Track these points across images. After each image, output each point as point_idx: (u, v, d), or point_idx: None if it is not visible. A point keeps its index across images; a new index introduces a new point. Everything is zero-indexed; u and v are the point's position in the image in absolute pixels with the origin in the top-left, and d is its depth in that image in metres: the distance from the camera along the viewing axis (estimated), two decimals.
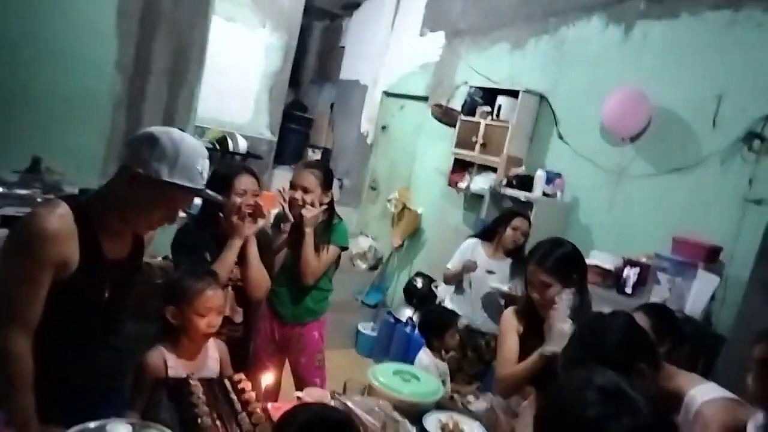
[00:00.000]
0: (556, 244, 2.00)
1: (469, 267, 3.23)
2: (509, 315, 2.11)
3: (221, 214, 2.11)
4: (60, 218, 1.39)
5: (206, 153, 1.52)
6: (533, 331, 1.99)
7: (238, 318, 2.23)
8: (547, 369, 1.82)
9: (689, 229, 3.16)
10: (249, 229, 2.14)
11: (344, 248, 2.61)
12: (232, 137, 4.86)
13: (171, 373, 1.76)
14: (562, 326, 1.83)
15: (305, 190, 2.43)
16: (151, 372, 1.75)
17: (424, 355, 2.76)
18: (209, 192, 1.57)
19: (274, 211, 2.66)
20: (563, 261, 1.94)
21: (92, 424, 1.35)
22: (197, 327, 1.77)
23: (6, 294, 1.39)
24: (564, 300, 1.88)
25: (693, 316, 2.88)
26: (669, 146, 3.41)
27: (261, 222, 2.19)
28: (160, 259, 2.72)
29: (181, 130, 1.55)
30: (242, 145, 4.92)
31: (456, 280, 3.38)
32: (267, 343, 2.58)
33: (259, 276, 2.22)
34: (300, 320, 2.57)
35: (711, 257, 3.01)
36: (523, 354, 2.00)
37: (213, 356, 1.91)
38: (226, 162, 2.38)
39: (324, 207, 2.48)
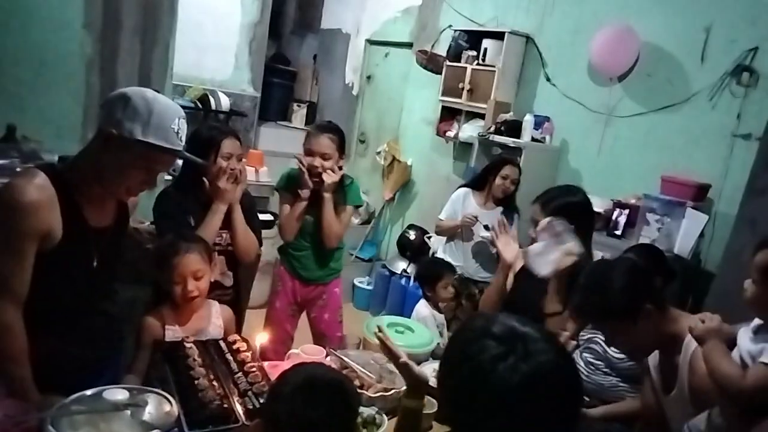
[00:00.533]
0: (567, 192, 2.05)
1: (468, 224, 3.23)
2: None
3: (205, 179, 2.07)
4: (39, 188, 1.37)
5: (182, 113, 1.48)
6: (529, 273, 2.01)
7: (228, 282, 2.23)
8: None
9: (678, 167, 3.16)
10: (234, 193, 2.11)
11: (359, 206, 2.66)
12: (213, 95, 4.74)
13: (169, 335, 1.78)
14: (548, 249, 1.87)
15: (324, 157, 2.38)
16: (149, 335, 1.78)
17: (422, 307, 2.80)
18: (186, 153, 1.53)
19: (263, 170, 2.63)
20: (567, 207, 1.95)
21: (90, 392, 1.36)
22: (175, 293, 1.78)
23: None
24: (558, 226, 1.89)
25: (682, 255, 2.91)
26: (657, 84, 3.36)
27: (243, 186, 2.16)
28: (147, 223, 2.70)
29: (156, 90, 1.51)
30: (225, 102, 4.81)
31: (451, 233, 3.39)
32: (287, 305, 2.62)
33: (246, 240, 2.21)
34: (324, 280, 2.62)
35: (699, 195, 3.02)
36: (519, 293, 2.04)
37: (216, 323, 1.92)
38: (209, 124, 2.30)
39: (343, 171, 2.46)
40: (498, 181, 3.24)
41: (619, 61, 3.41)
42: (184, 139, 1.47)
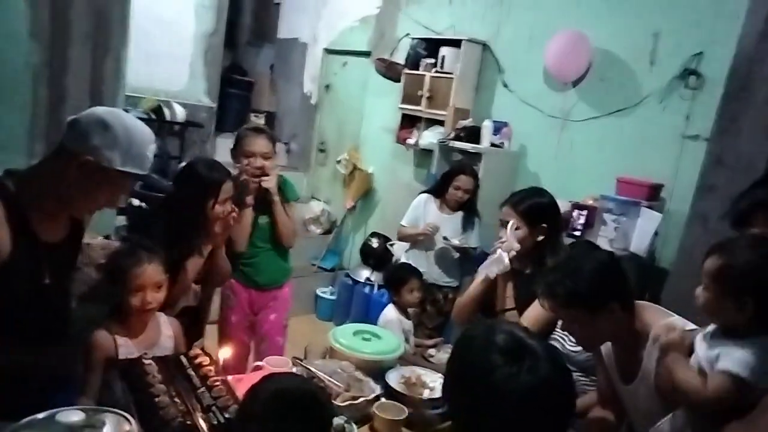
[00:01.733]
0: (535, 193, 2.13)
1: (429, 233, 3.25)
2: None
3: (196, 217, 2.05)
4: None
5: (154, 138, 1.48)
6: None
7: (194, 302, 2.23)
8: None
9: (632, 168, 3.25)
10: (221, 238, 2.12)
11: (297, 199, 2.71)
12: (168, 106, 4.64)
13: (122, 352, 1.71)
14: (501, 253, 1.96)
15: (265, 156, 2.39)
16: (101, 353, 1.70)
17: (390, 311, 2.78)
18: (154, 176, 1.55)
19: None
20: (536, 208, 2.04)
21: (41, 415, 1.28)
22: (132, 304, 1.73)
23: None
24: (510, 229, 1.95)
25: (638, 253, 2.99)
26: (609, 88, 3.47)
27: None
28: (100, 238, 2.60)
29: (112, 103, 1.50)
30: (180, 113, 4.71)
31: (413, 240, 3.39)
32: (244, 317, 2.60)
33: (226, 264, 2.26)
34: (279, 282, 2.64)
35: (653, 195, 3.12)
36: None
37: (167, 333, 1.87)
38: (207, 161, 2.16)
39: (279, 171, 2.49)
40: (451, 190, 3.27)
41: (572, 66, 3.50)
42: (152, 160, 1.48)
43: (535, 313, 1.87)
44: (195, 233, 2.06)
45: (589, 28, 3.45)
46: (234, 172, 2.37)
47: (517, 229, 2.02)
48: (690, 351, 1.33)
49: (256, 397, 1.13)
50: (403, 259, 3.52)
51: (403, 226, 3.40)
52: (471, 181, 3.27)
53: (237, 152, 2.44)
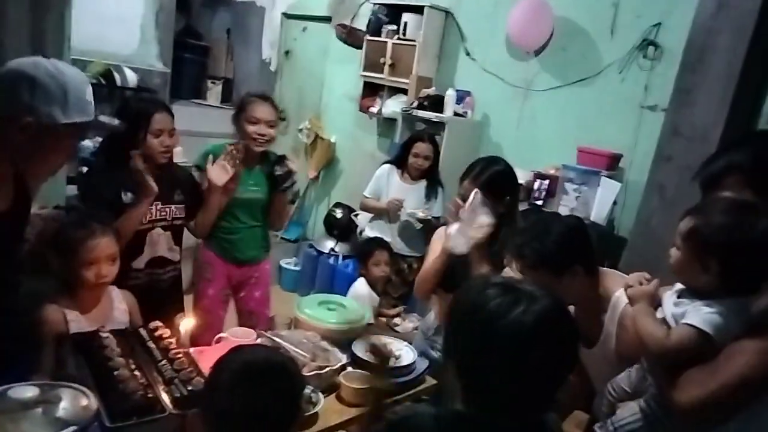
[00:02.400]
0: (491, 162, 2.08)
1: (394, 207, 3.21)
2: (440, 232, 2.15)
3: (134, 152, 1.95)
4: None
5: (86, 78, 1.39)
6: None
7: (177, 257, 2.19)
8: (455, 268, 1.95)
9: (592, 138, 3.30)
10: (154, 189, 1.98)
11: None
12: (118, 70, 4.41)
13: (73, 327, 1.64)
14: (464, 227, 1.92)
15: (269, 124, 2.33)
16: (51, 329, 1.62)
17: (360, 285, 2.77)
18: (102, 119, 1.44)
19: (178, 149, 2.47)
20: (496, 178, 2.01)
21: None
22: (85, 278, 1.66)
23: None
24: (474, 200, 1.93)
25: (598, 222, 3.06)
26: (571, 58, 3.48)
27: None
28: (50, 208, 2.47)
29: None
30: (131, 78, 4.49)
31: (378, 212, 3.37)
32: (220, 290, 2.49)
33: (212, 217, 2.26)
34: (258, 259, 2.54)
35: (612, 165, 3.17)
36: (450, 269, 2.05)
37: (120, 307, 1.81)
38: (139, 95, 2.12)
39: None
40: (411, 159, 3.25)
41: (534, 35, 3.49)
42: (92, 103, 1.36)
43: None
44: (131, 170, 1.97)
45: None
46: (234, 138, 2.35)
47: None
48: (656, 306, 1.36)
49: (225, 368, 1.11)
50: (367, 230, 3.50)
51: (366, 197, 3.36)
52: (429, 147, 3.25)
53: (240, 118, 2.35)
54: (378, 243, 2.91)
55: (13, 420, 1.17)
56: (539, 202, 3.18)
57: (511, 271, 1.56)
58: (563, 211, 3.10)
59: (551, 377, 0.94)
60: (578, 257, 1.48)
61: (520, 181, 3.27)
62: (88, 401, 1.26)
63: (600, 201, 3.05)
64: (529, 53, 3.60)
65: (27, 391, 1.21)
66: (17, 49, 2.78)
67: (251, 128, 2.32)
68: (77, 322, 1.66)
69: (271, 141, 2.37)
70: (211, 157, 2.26)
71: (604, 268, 1.62)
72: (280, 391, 1.10)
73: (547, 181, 3.19)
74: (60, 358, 1.58)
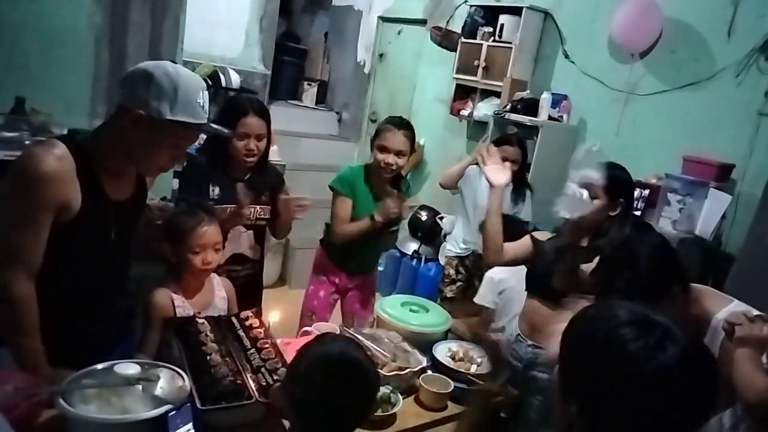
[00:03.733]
0: (615, 167, 1.93)
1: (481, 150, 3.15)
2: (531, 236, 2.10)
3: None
4: (58, 159, 1.34)
5: (204, 85, 1.46)
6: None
7: (256, 255, 2.24)
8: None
9: (700, 147, 3.07)
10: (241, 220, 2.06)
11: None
12: (224, 72, 4.68)
13: (179, 312, 1.75)
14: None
15: (399, 154, 2.32)
16: (159, 312, 1.75)
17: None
18: (213, 126, 1.51)
19: (274, 149, 2.56)
20: (618, 182, 1.88)
21: (101, 366, 1.34)
22: (193, 264, 1.76)
23: (6, 237, 1.35)
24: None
25: (703, 236, 2.84)
26: (680, 60, 3.26)
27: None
28: (157, 200, 2.66)
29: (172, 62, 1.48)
30: (235, 80, 4.74)
31: (457, 179, 3.33)
32: (329, 294, 2.54)
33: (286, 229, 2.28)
34: (368, 268, 2.60)
35: (722, 176, 2.93)
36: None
37: (220, 295, 1.90)
38: (238, 96, 2.22)
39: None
40: None
41: (641, 36, 3.30)
42: (207, 110, 1.44)
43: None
44: (226, 158, 2.06)
45: None
46: (370, 160, 2.41)
47: (595, 198, 1.87)
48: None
49: (302, 359, 1.12)
50: (452, 232, 3.47)
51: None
52: (517, 151, 3.15)
53: (374, 143, 2.39)
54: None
55: (116, 394, 1.26)
56: (638, 213, 2.99)
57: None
58: (665, 223, 2.90)
59: (688, 419, 0.85)
60: (673, 277, 1.38)
61: None
62: (183, 383, 1.34)
63: (707, 214, 2.83)
64: (633, 56, 3.41)
65: (130, 368, 1.30)
66: (137, 50, 3.04)
67: (379, 156, 2.33)
68: (183, 308, 1.76)
69: (398, 169, 2.37)
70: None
71: (699, 286, 1.50)
72: (353, 386, 1.10)
73: (647, 191, 3.00)
74: (166, 340, 1.69)
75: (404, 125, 2.40)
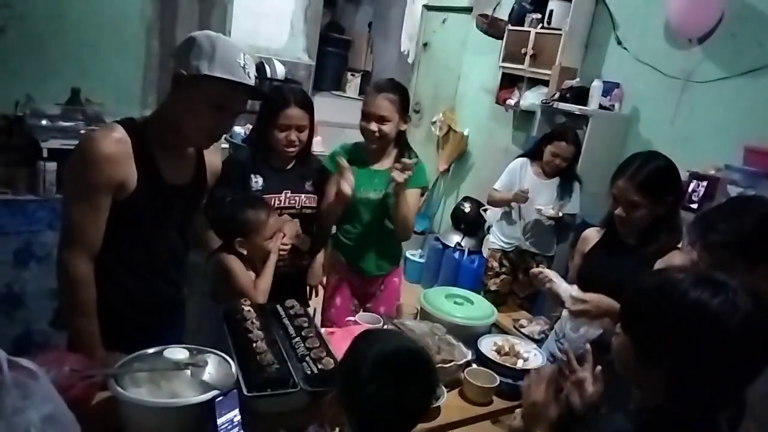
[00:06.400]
0: (650, 158, 1.80)
1: (520, 199, 3.08)
2: (589, 232, 2.03)
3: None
4: (115, 141, 1.39)
5: (246, 48, 1.48)
6: (606, 246, 1.91)
7: (306, 246, 2.17)
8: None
9: (763, 136, 2.90)
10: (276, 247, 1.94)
11: (425, 188, 2.32)
12: (269, 63, 4.70)
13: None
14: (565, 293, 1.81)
15: (381, 120, 2.09)
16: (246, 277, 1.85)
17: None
18: (254, 87, 1.50)
19: (317, 139, 2.46)
20: (656, 177, 1.75)
21: (151, 350, 1.36)
22: (269, 250, 1.88)
23: (67, 219, 1.41)
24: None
25: None
26: (742, 45, 3.08)
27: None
28: None
29: None
30: (280, 70, 4.77)
31: (503, 205, 3.27)
32: (348, 300, 2.33)
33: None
34: (385, 270, 2.33)
35: None
36: (592, 266, 1.92)
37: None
38: (279, 87, 2.19)
39: (415, 160, 2.10)
40: (547, 156, 3.09)
41: (700, 20, 3.13)
42: (252, 75, 1.45)
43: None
44: (269, 146, 2.04)
45: None
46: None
47: (632, 206, 1.76)
48: None
49: (358, 361, 1.07)
50: (495, 227, 3.41)
51: (495, 190, 3.26)
52: (571, 149, 3.06)
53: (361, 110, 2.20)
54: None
55: (166, 378, 1.29)
56: (694, 206, 2.86)
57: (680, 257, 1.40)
58: None
59: (754, 370, 0.94)
60: None
61: None
62: (230, 369, 1.35)
63: None
64: (691, 41, 3.25)
65: (179, 354, 1.33)
66: None
67: (361, 123, 2.14)
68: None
69: (382, 137, 2.13)
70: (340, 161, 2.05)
71: None
72: (420, 377, 1.08)
73: (705, 183, 2.86)
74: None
75: (387, 87, 2.13)
